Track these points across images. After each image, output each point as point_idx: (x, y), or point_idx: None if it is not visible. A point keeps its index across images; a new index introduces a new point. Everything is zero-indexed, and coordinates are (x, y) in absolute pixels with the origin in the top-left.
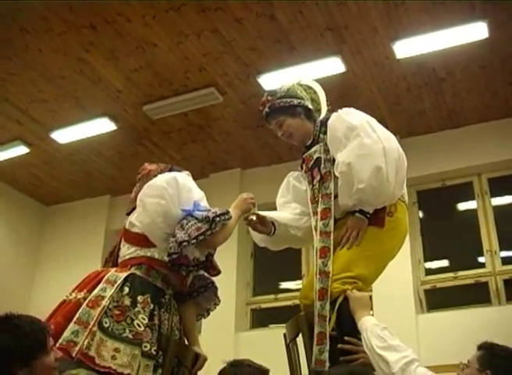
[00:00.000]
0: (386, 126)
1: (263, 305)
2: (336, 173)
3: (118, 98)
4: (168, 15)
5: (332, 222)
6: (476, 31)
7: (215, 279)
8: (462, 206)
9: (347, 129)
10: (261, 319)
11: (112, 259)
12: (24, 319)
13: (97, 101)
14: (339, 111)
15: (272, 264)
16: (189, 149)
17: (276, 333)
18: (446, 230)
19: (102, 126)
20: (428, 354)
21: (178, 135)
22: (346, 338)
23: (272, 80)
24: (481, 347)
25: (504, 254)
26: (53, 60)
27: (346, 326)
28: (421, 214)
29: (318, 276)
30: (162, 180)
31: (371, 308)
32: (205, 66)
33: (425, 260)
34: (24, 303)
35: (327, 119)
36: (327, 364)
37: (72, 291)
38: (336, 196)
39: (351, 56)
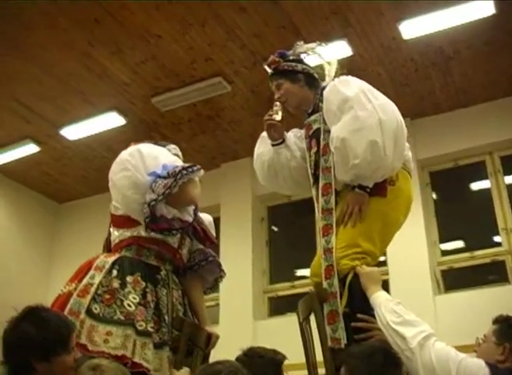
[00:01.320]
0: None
1: (280, 293)
2: (331, 148)
3: (125, 91)
4: (171, 5)
5: (333, 198)
6: (482, 8)
7: (231, 267)
8: (475, 186)
9: (341, 101)
10: (279, 306)
11: (107, 246)
12: (52, 314)
13: (105, 96)
14: (336, 80)
15: (288, 251)
16: (199, 140)
17: (294, 321)
18: (460, 210)
19: (111, 120)
20: (447, 334)
21: (187, 126)
22: (358, 316)
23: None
24: (496, 320)
25: None
26: (58, 56)
27: (358, 302)
28: (434, 195)
29: (323, 255)
30: (125, 153)
31: (388, 290)
32: (211, 56)
33: (441, 241)
34: (41, 300)
35: (324, 87)
36: (343, 341)
37: (66, 284)
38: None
39: (357, 39)
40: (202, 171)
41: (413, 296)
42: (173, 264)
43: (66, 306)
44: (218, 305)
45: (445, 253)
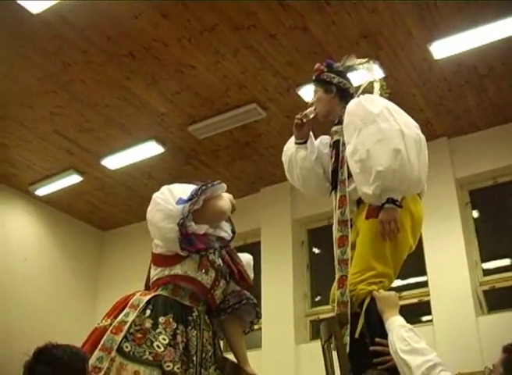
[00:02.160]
0: (432, 128)
1: (322, 316)
2: (351, 160)
3: (162, 121)
4: (203, 36)
5: (348, 210)
6: None
7: (272, 291)
8: None
9: (365, 115)
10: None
11: (146, 282)
12: (63, 349)
13: (143, 126)
14: (361, 97)
15: (329, 273)
16: (237, 166)
17: None
18: (501, 228)
19: (150, 149)
20: (491, 356)
21: (225, 153)
22: (377, 340)
23: (312, 92)
24: (505, 349)
25: None
26: (96, 90)
27: (376, 327)
28: (475, 214)
29: (337, 265)
30: (156, 193)
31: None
32: (245, 83)
33: (482, 260)
34: (88, 326)
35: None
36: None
37: (103, 319)
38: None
39: (389, 61)
40: (224, 185)
41: (455, 317)
42: (207, 305)
43: (100, 341)
44: (260, 329)
45: (487, 272)
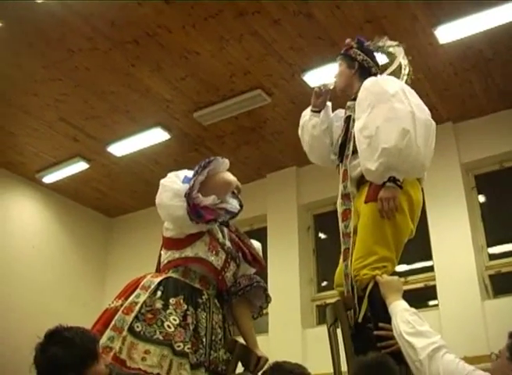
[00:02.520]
0: (438, 113)
1: (328, 301)
2: (360, 135)
3: (168, 107)
4: (207, 22)
5: (349, 184)
6: None
7: (279, 276)
8: None
9: (380, 93)
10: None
11: (157, 266)
12: (74, 331)
13: (148, 113)
14: (379, 76)
15: (336, 258)
16: (243, 151)
17: None
18: (507, 213)
19: (156, 136)
20: (497, 340)
21: (231, 139)
22: (380, 325)
23: (317, 77)
24: (511, 335)
25: None
26: (101, 77)
27: (379, 311)
28: (480, 198)
29: (342, 239)
30: (163, 179)
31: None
32: (249, 69)
33: (488, 245)
34: (97, 312)
35: None
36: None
37: (114, 300)
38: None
39: None
40: (227, 160)
41: (461, 302)
42: (217, 288)
43: (111, 321)
44: (267, 314)
45: (493, 257)
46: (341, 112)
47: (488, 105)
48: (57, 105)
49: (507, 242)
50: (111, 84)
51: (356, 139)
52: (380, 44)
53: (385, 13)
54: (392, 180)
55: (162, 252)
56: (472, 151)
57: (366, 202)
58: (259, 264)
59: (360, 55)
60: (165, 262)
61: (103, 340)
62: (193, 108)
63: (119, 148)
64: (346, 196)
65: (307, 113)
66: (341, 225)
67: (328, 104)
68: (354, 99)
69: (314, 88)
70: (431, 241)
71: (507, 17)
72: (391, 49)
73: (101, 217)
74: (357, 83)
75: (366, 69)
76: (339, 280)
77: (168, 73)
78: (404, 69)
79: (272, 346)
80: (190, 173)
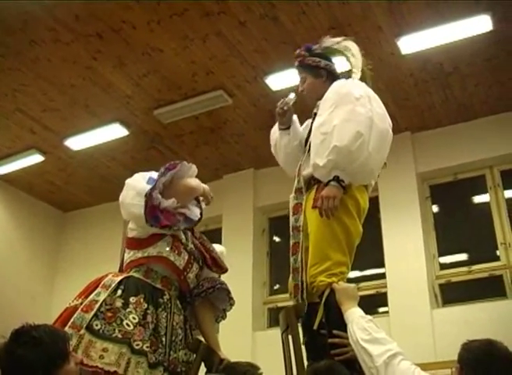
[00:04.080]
0: (396, 123)
1: (280, 304)
2: (317, 131)
3: (128, 103)
4: (172, 20)
5: (302, 217)
6: (480, 24)
7: (231, 278)
8: (475, 199)
9: (345, 94)
10: (278, 318)
11: (120, 266)
12: (42, 329)
13: (108, 108)
14: (349, 79)
15: (288, 263)
16: (201, 152)
17: None
18: (459, 223)
19: (114, 131)
20: (444, 348)
21: (190, 138)
22: (334, 332)
23: (280, 81)
24: (463, 346)
25: None
26: (62, 69)
27: (334, 318)
28: (434, 208)
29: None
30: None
31: (387, 305)
32: (212, 69)
33: (440, 254)
34: (45, 308)
35: None
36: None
37: (74, 299)
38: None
39: None
40: (194, 167)
41: (411, 309)
42: (179, 289)
43: (70, 319)
44: None
45: (443, 266)
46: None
47: (446, 117)
48: (15, 96)
49: (458, 252)
50: (71, 77)
51: (312, 134)
52: (327, 44)
53: (350, 21)
54: (337, 179)
55: (125, 253)
56: (428, 161)
57: (313, 207)
58: (220, 268)
59: (320, 61)
60: (128, 261)
61: None
62: (154, 106)
63: (76, 142)
64: (299, 190)
65: (276, 131)
66: (292, 218)
67: (295, 118)
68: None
69: (276, 108)
70: (384, 248)
71: (468, 32)
72: (336, 46)
73: (53, 211)
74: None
75: (332, 73)
76: (291, 288)
77: (131, 69)
78: (356, 60)
79: (222, 348)
80: (155, 175)
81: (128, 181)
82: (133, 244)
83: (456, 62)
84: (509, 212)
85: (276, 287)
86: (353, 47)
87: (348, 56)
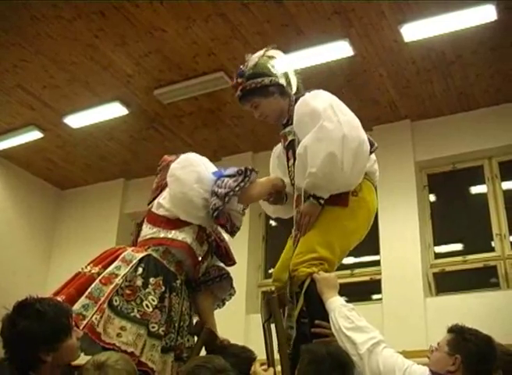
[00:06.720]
0: (397, 110)
1: (274, 288)
2: (297, 152)
3: (128, 82)
4: (175, 0)
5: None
6: (484, 14)
7: None
8: (472, 190)
9: (311, 112)
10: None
11: (134, 239)
12: (47, 303)
13: (108, 86)
14: (307, 94)
15: (284, 247)
16: (200, 133)
17: None
18: (456, 213)
19: (114, 110)
20: (436, 336)
21: (189, 119)
22: (316, 322)
23: (280, 64)
24: (451, 330)
25: None
26: (64, 46)
27: (315, 308)
28: (431, 197)
29: (294, 225)
30: (186, 155)
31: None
32: (214, 51)
33: (435, 244)
34: (40, 285)
35: (297, 99)
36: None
37: (88, 265)
38: None
39: (359, 40)
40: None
41: (404, 297)
42: (187, 276)
43: (87, 288)
44: None
45: (438, 256)
46: (277, 149)
47: (447, 106)
48: (15, 71)
49: (453, 242)
50: (72, 54)
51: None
52: (252, 62)
53: (354, 6)
54: (314, 197)
55: (145, 226)
56: (427, 150)
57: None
58: (230, 260)
59: (262, 80)
60: (148, 237)
61: (77, 307)
62: (154, 86)
63: (76, 120)
64: (297, 223)
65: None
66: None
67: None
68: (289, 123)
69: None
70: (379, 236)
71: (472, 21)
72: (262, 61)
73: (51, 188)
74: (285, 103)
75: (279, 86)
76: (277, 275)
77: (132, 48)
78: (284, 67)
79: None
80: (212, 167)
81: (192, 157)
82: (159, 221)
83: (459, 51)
84: (506, 203)
85: (271, 270)
86: (277, 54)
87: (274, 65)
